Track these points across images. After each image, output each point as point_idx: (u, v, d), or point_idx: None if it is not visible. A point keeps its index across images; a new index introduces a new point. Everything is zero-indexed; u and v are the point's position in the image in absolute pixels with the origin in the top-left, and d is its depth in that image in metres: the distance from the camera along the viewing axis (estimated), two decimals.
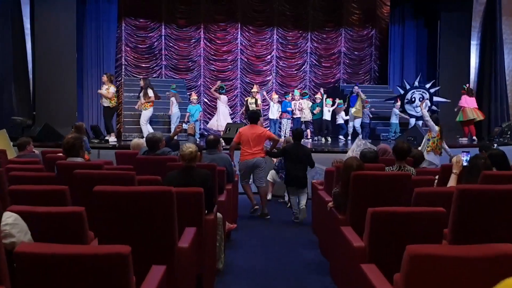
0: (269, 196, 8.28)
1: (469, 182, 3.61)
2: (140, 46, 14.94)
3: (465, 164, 4.34)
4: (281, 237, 6.03)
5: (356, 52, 16.39)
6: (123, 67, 14.76)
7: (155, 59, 15.07)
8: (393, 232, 2.72)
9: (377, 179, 3.89)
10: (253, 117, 7.54)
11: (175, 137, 6.68)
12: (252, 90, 12.55)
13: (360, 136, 12.44)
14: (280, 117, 12.14)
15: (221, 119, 11.62)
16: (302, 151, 7.18)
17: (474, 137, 12.10)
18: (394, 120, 12.67)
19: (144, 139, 6.09)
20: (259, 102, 12.18)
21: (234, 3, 15.39)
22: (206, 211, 3.79)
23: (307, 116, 12.36)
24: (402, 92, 12.81)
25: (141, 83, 11.09)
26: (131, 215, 2.74)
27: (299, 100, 12.30)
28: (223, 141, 9.67)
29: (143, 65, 14.97)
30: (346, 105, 12.68)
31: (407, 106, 12.67)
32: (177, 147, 5.87)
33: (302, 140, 8.11)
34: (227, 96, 14.67)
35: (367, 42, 16.50)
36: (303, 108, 12.24)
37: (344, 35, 16.29)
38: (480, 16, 14.49)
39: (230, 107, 15.12)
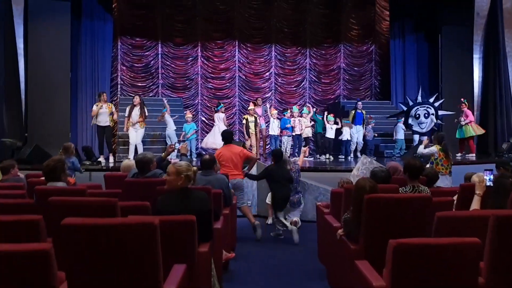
0: (269, 221, 7.83)
1: (497, 205, 3.18)
2: (136, 65, 14.64)
3: (488, 184, 3.92)
4: (285, 267, 5.55)
5: (356, 68, 16.10)
6: (119, 86, 14.43)
7: (152, 78, 14.75)
8: (420, 268, 2.29)
9: (394, 203, 3.46)
10: (227, 137, 7.36)
11: (169, 157, 6.28)
12: (249, 108, 12.17)
13: (360, 155, 12.15)
14: (281, 134, 11.74)
15: (218, 137, 11.19)
16: (285, 171, 7.15)
17: (473, 154, 11.80)
18: (400, 136, 12.27)
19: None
20: (259, 121, 11.81)
21: (231, 21, 15.15)
22: (200, 242, 3.35)
23: (307, 132, 11.99)
24: (405, 108, 12.44)
25: (137, 100, 10.70)
26: (106, 253, 2.30)
27: (298, 117, 11.91)
28: None
29: (139, 84, 14.64)
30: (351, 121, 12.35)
31: (411, 123, 12.28)
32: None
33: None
34: (225, 114, 14.42)
35: (366, 58, 16.23)
36: (302, 125, 11.87)
37: (343, 51, 16.02)
38: (481, 29, 14.23)
39: (228, 126, 14.77)
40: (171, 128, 11.17)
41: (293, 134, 11.79)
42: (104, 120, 10.53)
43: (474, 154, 11.85)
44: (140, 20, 14.55)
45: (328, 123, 12.17)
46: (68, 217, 2.38)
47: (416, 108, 12.43)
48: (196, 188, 4.39)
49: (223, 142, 7.35)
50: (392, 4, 15.56)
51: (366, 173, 7.65)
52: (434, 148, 7.68)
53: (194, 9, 14.89)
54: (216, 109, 11.88)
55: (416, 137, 12.17)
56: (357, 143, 12.26)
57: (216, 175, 5.48)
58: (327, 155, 12.02)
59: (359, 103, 12.60)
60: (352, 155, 12.15)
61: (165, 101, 11.39)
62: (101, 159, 10.44)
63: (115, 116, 10.94)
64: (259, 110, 12.31)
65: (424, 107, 12.56)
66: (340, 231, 3.85)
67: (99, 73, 13.33)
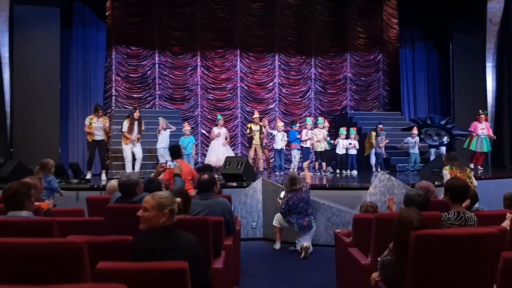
0: (277, 246, 6.98)
1: None
2: (132, 75, 13.87)
3: None
4: None
5: (363, 78, 15.35)
6: (113, 98, 13.64)
7: (148, 89, 13.97)
8: None
9: (451, 241, 2.63)
10: (174, 152, 6.90)
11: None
12: (254, 117, 11.40)
13: (371, 171, 11.34)
14: (288, 147, 10.95)
15: (220, 153, 10.40)
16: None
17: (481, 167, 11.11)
18: (413, 150, 11.42)
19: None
20: (264, 130, 11.03)
21: (233, 29, 14.43)
22: None
23: (321, 146, 11.18)
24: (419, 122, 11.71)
25: (137, 114, 10.05)
26: None
27: (311, 129, 11.10)
28: (222, 178, 8.44)
29: (135, 96, 13.85)
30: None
31: (422, 136, 11.53)
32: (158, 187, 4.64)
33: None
34: (226, 127, 13.67)
35: (374, 67, 15.49)
36: (318, 138, 11.06)
37: (350, 60, 15.29)
38: (494, 37, 13.53)
39: (230, 138, 13.99)
40: (164, 142, 10.38)
41: (303, 146, 10.97)
42: (98, 134, 9.80)
43: (481, 168, 11.13)
44: (136, 28, 13.83)
45: (339, 137, 11.37)
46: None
47: (425, 129, 11.67)
48: (189, 220, 3.57)
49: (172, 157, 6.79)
50: (401, 11, 14.90)
51: (384, 191, 6.85)
52: (446, 172, 6.72)
53: (193, 17, 14.18)
54: (217, 122, 11.10)
55: (433, 151, 11.37)
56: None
57: (216, 198, 4.64)
58: (346, 171, 11.23)
59: (381, 125, 11.78)
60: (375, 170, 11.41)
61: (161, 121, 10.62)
62: (89, 175, 9.64)
63: (107, 129, 10.21)
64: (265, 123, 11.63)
65: (434, 128, 11.77)
66: (376, 276, 3.00)
67: (91, 84, 12.54)
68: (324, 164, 11.54)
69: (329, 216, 7.06)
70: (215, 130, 10.87)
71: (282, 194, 7.01)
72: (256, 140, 10.95)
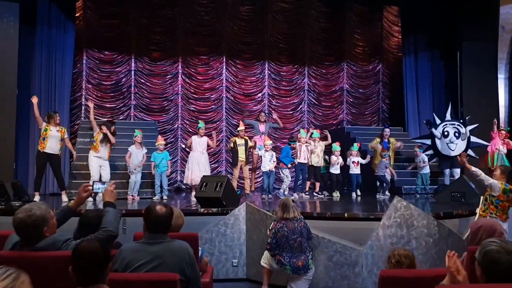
0: None
1: None
2: (105, 82, 12.40)
3: None
4: None
5: (361, 90, 14.03)
6: (83, 107, 12.13)
7: (123, 98, 12.49)
8: None
9: None
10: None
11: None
12: (238, 129, 9.93)
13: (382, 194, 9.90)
14: (277, 167, 9.45)
15: (195, 169, 8.89)
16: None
17: None
18: (424, 169, 9.97)
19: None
20: (250, 143, 9.55)
21: (218, 34, 13.06)
22: None
23: (320, 161, 9.73)
24: (429, 130, 10.35)
25: (113, 128, 9.08)
26: None
27: (305, 142, 9.64)
28: (195, 201, 6.93)
29: (108, 105, 12.36)
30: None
31: (438, 145, 10.13)
32: (95, 227, 3.11)
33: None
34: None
35: (373, 78, 14.20)
36: (312, 151, 9.63)
37: (347, 70, 13.98)
38: (507, 46, 12.30)
39: (214, 155, 12.53)
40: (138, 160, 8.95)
41: (300, 162, 9.51)
42: (53, 146, 8.28)
43: None
44: (111, 31, 12.41)
45: (333, 154, 9.94)
46: None
47: (444, 124, 10.31)
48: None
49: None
50: (403, 18, 13.63)
51: (401, 222, 5.38)
52: (497, 184, 5.42)
53: (175, 20, 12.80)
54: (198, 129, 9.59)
55: (448, 171, 9.95)
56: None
57: (170, 242, 3.08)
58: (336, 193, 9.78)
59: (387, 129, 10.41)
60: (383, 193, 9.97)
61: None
62: (37, 197, 8.09)
63: (67, 142, 8.73)
64: (262, 127, 10.10)
65: (454, 124, 10.45)
66: None
67: (56, 91, 11.01)
68: (317, 184, 10.04)
69: (331, 254, 5.55)
70: (194, 138, 9.34)
71: (272, 224, 5.53)
72: (241, 157, 9.49)
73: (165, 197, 8.90)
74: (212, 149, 10.43)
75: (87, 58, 12.26)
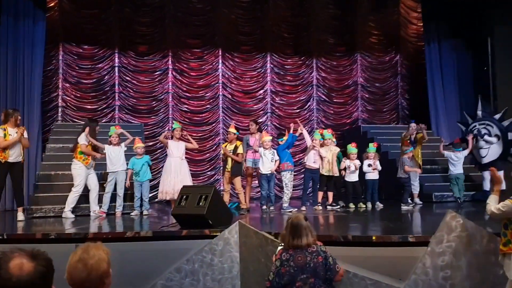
0: None
1: None
2: (85, 81, 10.88)
3: None
4: None
5: (377, 84, 12.40)
6: (60, 109, 10.61)
7: (106, 98, 10.96)
8: None
9: None
10: None
11: None
12: (229, 130, 8.26)
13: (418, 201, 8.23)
14: (279, 169, 7.75)
15: (171, 179, 7.24)
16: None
17: None
18: (456, 170, 8.27)
19: None
20: (240, 150, 7.81)
21: (213, 24, 11.50)
22: None
23: (334, 169, 8.06)
24: (464, 128, 8.68)
25: (98, 128, 7.57)
26: None
27: (312, 148, 7.97)
28: (173, 221, 5.32)
29: (88, 107, 10.83)
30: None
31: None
32: None
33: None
34: (203, 147, 10.67)
35: (390, 71, 12.57)
36: (324, 157, 7.97)
37: (361, 62, 12.36)
38: None
39: (210, 160, 10.95)
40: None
41: (310, 167, 7.86)
42: (15, 153, 6.71)
43: None
44: (91, 22, 10.93)
45: (349, 157, 8.28)
46: None
47: (472, 125, 8.68)
48: None
49: None
50: (423, 3, 11.96)
51: (458, 247, 3.68)
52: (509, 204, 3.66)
53: (163, 9, 11.28)
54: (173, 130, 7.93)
55: (487, 173, 8.25)
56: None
57: None
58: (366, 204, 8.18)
59: (413, 124, 8.79)
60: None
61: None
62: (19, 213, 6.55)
63: (25, 142, 7.08)
64: (252, 140, 8.32)
65: (484, 124, 8.79)
66: None
67: (25, 90, 9.47)
68: (330, 194, 8.33)
69: None
70: (171, 143, 7.62)
71: (277, 252, 3.83)
72: (228, 167, 7.82)
73: (145, 212, 7.27)
74: (195, 149, 8.65)
75: (63, 54, 10.78)
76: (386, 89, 12.44)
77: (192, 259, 4.73)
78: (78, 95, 10.80)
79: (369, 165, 8.26)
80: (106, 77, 10.97)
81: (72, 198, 6.98)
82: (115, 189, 7.34)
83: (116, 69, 11.00)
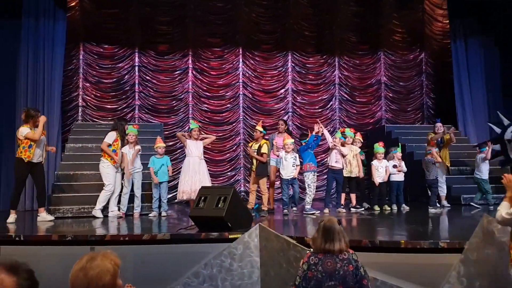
0: None
1: None
2: (105, 80, 10.84)
3: None
4: None
5: (401, 83, 12.07)
6: (80, 109, 10.61)
7: (126, 98, 10.90)
8: None
9: None
10: None
11: None
12: (256, 128, 8.04)
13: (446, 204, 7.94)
14: (301, 172, 7.49)
15: (190, 179, 7.07)
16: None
17: None
18: (484, 172, 7.95)
19: None
20: (264, 150, 7.57)
21: (233, 23, 11.35)
22: None
23: (354, 170, 7.82)
24: (499, 130, 8.31)
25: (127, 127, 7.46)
26: None
27: (333, 147, 7.74)
28: (191, 223, 5.16)
29: (108, 106, 10.80)
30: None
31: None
32: None
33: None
34: (223, 147, 10.53)
35: (415, 69, 12.22)
36: (345, 156, 7.73)
37: (384, 61, 12.05)
38: None
39: (230, 160, 10.81)
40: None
41: (333, 167, 7.64)
42: (38, 153, 6.73)
43: None
44: (111, 21, 10.90)
45: (375, 157, 8.02)
46: None
47: (510, 126, 8.33)
48: None
49: None
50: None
51: (495, 255, 3.43)
52: None
53: (184, 8, 11.17)
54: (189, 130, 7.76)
55: None
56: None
57: None
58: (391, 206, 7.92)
59: (439, 123, 8.49)
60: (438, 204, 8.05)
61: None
62: (12, 217, 6.45)
63: (50, 148, 7.13)
64: (280, 140, 8.08)
65: None
66: None
67: (45, 90, 9.45)
68: (353, 196, 8.06)
69: None
70: (189, 143, 7.45)
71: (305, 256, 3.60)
72: (254, 167, 7.64)
73: (164, 214, 7.14)
74: (213, 140, 8.34)
75: (84, 53, 10.76)
76: (411, 88, 12.09)
77: (210, 263, 4.56)
78: (98, 94, 10.77)
79: (394, 166, 8.00)
80: (126, 76, 10.91)
81: (103, 197, 6.95)
82: (132, 189, 7.23)
83: (136, 68, 10.93)
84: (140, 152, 7.40)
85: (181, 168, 10.39)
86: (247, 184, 10.34)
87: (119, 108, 10.82)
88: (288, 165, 7.24)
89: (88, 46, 10.78)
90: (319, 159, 10.02)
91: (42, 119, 6.74)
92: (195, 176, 6.99)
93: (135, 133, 7.36)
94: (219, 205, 4.91)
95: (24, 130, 6.61)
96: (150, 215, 7.13)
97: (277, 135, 8.18)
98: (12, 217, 6.49)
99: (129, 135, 7.29)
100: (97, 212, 6.90)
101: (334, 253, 3.30)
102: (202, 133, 8.35)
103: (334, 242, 3.30)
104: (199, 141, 7.46)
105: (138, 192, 7.12)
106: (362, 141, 8.27)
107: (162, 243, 4.76)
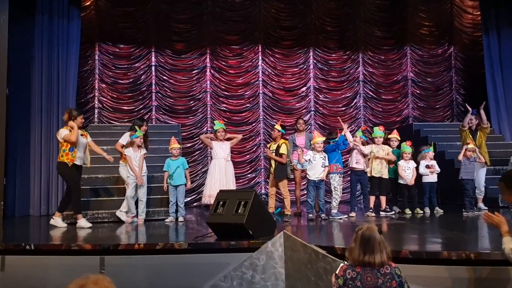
0: None
1: None
2: (121, 81, 10.57)
3: None
4: None
5: (429, 79, 11.49)
6: (96, 111, 10.35)
7: (142, 99, 10.61)
8: None
9: None
10: None
11: None
12: (274, 127, 7.58)
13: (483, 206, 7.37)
14: (329, 174, 7.00)
15: (217, 182, 6.69)
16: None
17: None
18: None
19: None
20: (283, 150, 7.08)
21: (252, 19, 10.96)
22: None
23: (382, 171, 7.33)
24: None
25: (145, 128, 7.19)
26: None
27: (354, 146, 7.27)
28: (210, 229, 4.75)
29: (125, 107, 10.52)
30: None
31: None
32: None
33: None
34: (244, 148, 10.15)
35: (444, 64, 11.62)
36: (366, 155, 7.24)
37: (411, 56, 11.49)
38: None
39: (251, 162, 10.41)
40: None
41: (353, 168, 7.19)
42: (82, 156, 6.57)
43: None
44: (127, 20, 10.64)
45: (403, 158, 7.51)
46: None
47: None
48: None
49: None
50: None
51: None
52: None
53: (201, 5, 10.82)
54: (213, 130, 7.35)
55: None
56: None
57: None
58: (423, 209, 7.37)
59: (472, 116, 7.95)
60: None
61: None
62: (85, 222, 6.20)
63: (93, 146, 6.82)
64: (301, 139, 7.65)
65: None
66: None
67: (59, 91, 9.17)
68: (383, 199, 7.52)
69: None
70: (214, 144, 7.05)
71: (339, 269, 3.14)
72: (272, 169, 7.17)
73: (181, 219, 6.76)
74: (237, 140, 7.93)
75: (99, 53, 10.50)
76: (439, 84, 11.50)
77: (230, 275, 4.14)
78: (115, 95, 10.50)
79: (427, 167, 7.47)
80: (142, 76, 10.62)
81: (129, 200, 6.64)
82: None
83: (153, 68, 10.62)
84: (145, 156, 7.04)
85: (199, 170, 10.15)
86: (267, 186, 9.92)
87: (136, 109, 10.52)
88: (317, 165, 6.76)
89: (103, 46, 10.52)
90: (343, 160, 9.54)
91: (77, 121, 6.49)
92: (222, 179, 6.64)
93: (141, 136, 6.97)
94: (239, 211, 4.49)
95: (62, 132, 6.38)
96: (166, 220, 6.75)
97: (297, 135, 7.71)
98: (84, 221, 6.19)
99: (137, 138, 6.93)
100: (121, 214, 6.62)
101: (374, 266, 2.85)
102: (229, 134, 7.95)
103: (374, 253, 2.84)
104: (225, 141, 7.06)
105: (143, 196, 6.73)
106: (399, 139, 7.73)
107: (178, 252, 4.36)
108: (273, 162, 7.08)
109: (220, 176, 6.70)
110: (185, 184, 6.90)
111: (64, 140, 6.26)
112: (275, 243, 4.19)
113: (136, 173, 6.60)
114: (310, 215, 6.76)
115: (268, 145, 7.69)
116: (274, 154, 7.04)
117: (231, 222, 4.49)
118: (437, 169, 7.51)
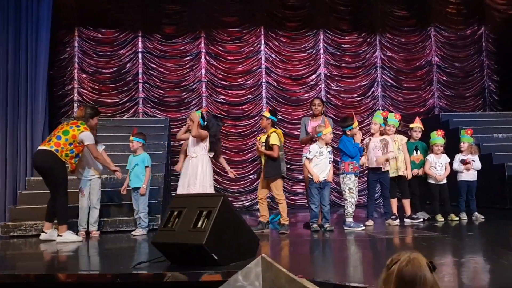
0: None
1: None
2: (104, 70, 9.35)
3: None
4: None
5: (457, 64, 10.13)
6: (75, 104, 9.10)
7: (128, 90, 9.37)
8: None
9: None
10: None
11: None
12: (263, 114, 6.10)
13: None
14: (339, 172, 5.55)
15: (193, 176, 5.24)
16: None
17: None
18: None
19: None
20: (274, 140, 5.55)
21: None
22: None
23: (401, 166, 5.88)
24: None
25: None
26: None
27: (378, 135, 5.84)
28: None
29: (108, 100, 9.28)
30: None
31: None
32: None
33: None
34: (245, 145, 8.86)
35: (473, 47, 10.25)
36: (389, 150, 5.76)
37: (435, 38, 10.12)
38: None
39: (252, 161, 9.11)
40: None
41: (369, 166, 5.79)
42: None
43: None
44: (110, 1, 9.36)
45: (433, 151, 6.05)
46: None
47: None
48: None
49: None
50: None
51: None
52: None
53: None
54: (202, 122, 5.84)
55: None
56: None
57: None
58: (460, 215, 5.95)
59: None
60: None
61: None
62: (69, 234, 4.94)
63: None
64: (315, 123, 5.88)
65: None
66: None
67: (28, 83, 7.94)
68: (406, 202, 6.03)
69: None
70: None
71: None
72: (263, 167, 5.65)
73: (139, 232, 5.35)
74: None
75: (79, 39, 9.31)
76: (469, 69, 10.14)
77: None
78: (96, 87, 9.28)
79: (462, 161, 6.04)
80: (128, 65, 9.39)
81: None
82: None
83: (140, 55, 9.39)
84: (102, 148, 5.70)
85: None
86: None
87: (120, 102, 9.30)
88: (324, 162, 5.33)
89: (84, 31, 9.32)
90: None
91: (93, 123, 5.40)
92: (185, 182, 5.21)
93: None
94: (199, 225, 3.05)
95: (89, 136, 5.11)
96: (133, 232, 5.38)
97: (312, 119, 6.15)
98: (68, 234, 4.94)
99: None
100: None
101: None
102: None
103: None
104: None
105: (96, 203, 5.36)
106: (423, 128, 6.31)
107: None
108: (263, 158, 5.61)
109: (184, 177, 5.28)
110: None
111: (84, 145, 5.04)
112: (249, 275, 2.66)
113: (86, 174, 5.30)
114: (314, 225, 5.32)
115: (258, 138, 6.21)
116: (264, 148, 5.52)
117: (187, 242, 3.03)
118: (477, 165, 6.06)
